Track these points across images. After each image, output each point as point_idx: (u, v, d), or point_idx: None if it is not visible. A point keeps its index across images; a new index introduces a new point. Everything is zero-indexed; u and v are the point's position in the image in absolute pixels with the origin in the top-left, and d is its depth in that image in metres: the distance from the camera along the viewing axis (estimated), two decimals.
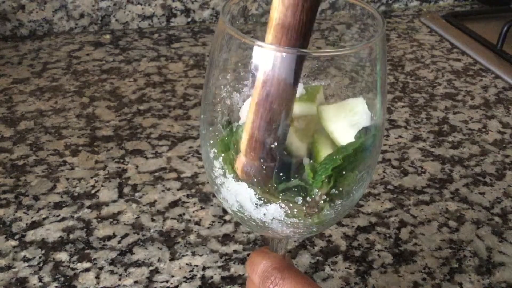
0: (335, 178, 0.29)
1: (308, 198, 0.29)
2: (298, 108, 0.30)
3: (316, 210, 0.30)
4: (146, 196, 0.56)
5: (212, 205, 0.55)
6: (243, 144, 0.29)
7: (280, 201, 0.30)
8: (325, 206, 0.30)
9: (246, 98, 0.30)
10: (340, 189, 0.30)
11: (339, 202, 0.31)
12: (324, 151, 0.29)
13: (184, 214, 0.53)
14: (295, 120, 0.30)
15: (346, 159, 0.28)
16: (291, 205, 0.30)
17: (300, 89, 0.30)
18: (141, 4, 0.90)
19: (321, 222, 0.31)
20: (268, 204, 0.30)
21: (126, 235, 0.51)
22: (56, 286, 0.45)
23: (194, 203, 0.55)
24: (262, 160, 0.29)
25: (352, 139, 0.29)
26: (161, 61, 0.82)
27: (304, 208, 0.30)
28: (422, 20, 1.01)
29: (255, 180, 0.29)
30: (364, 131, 0.29)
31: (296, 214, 0.30)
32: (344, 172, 0.29)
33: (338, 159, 0.28)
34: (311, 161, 0.29)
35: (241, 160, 0.29)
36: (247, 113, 0.28)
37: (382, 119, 0.32)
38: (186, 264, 0.48)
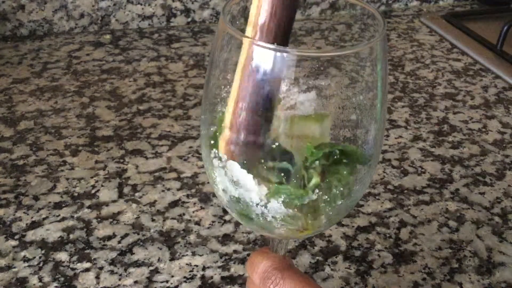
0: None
1: (295, 180, 0.29)
2: (299, 127, 0.29)
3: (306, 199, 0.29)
4: (146, 196, 0.56)
5: (212, 205, 0.55)
6: (228, 116, 0.28)
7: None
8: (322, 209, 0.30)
9: None
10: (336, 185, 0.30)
11: (340, 202, 0.31)
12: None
13: (184, 214, 0.53)
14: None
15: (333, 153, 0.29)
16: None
17: (308, 110, 0.29)
18: (141, 4, 0.90)
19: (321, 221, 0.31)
20: (269, 203, 0.30)
21: (126, 235, 0.51)
22: (56, 286, 0.45)
23: (194, 203, 0.55)
24: (247, 134, 0.28)
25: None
26: (161, 61, 0.82)
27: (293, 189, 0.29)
28: (422, 20, 1.01)
29: (239, 157, 0.29)
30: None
31: (298, 213, 0.30)
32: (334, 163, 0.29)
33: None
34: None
35: (226, 135, 0.29)
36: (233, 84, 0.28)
37: (383, 119, 0.32)
38: (186, 264, 0.48)
